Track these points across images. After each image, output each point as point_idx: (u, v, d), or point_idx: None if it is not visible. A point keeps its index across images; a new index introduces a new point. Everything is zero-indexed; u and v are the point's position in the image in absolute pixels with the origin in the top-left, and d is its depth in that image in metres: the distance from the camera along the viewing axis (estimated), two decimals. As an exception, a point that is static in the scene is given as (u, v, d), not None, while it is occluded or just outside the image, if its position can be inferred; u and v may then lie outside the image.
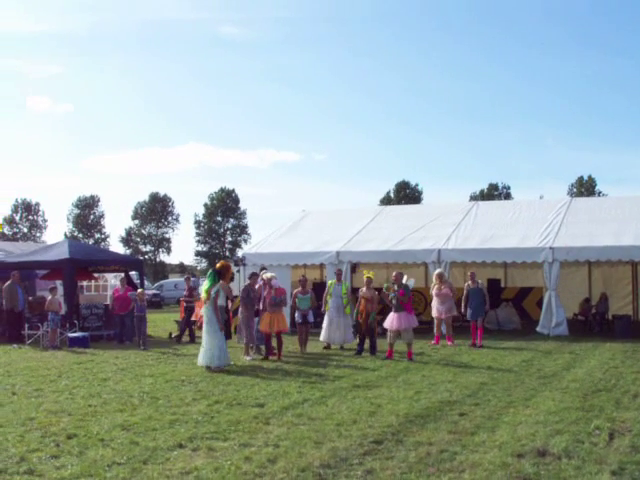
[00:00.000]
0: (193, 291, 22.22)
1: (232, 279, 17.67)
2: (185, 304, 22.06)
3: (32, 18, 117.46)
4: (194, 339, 21.18)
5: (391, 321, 16.72)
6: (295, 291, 18.82)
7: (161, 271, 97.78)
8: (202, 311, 15.87)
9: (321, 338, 19.13)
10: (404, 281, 16.91)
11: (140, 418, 9.80)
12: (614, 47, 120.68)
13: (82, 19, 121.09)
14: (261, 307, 17.04)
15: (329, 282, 19.62)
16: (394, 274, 17.31)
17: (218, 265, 16.11)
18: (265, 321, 16.72)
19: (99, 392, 12.11)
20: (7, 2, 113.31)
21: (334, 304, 18.85)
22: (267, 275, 17.50)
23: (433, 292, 20.04)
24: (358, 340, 17.85)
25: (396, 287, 16.79)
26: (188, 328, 21.75)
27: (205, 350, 14.96)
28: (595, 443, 8.21)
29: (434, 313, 20.09)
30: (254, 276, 17.68)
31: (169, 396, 11.64)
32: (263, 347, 17.02)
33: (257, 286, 17.30)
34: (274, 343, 16.91)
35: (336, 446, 8.16)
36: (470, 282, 19.67)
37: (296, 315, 18.63)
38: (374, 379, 13.38)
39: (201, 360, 15.04)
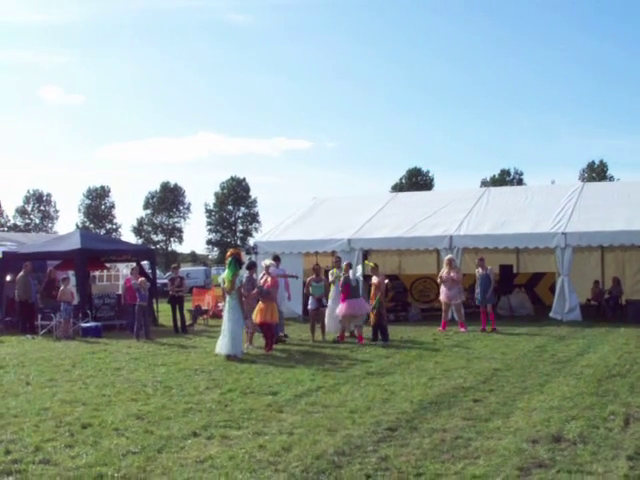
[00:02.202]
0: (182, 281, 21.98)
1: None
2: (173, 294, 21.43)
3: (37, 9, 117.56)
4: (185, 329, 21.24)
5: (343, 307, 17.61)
6: (309, 279, 18.77)
7: (173, 260, 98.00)
8: (227, 299, 15.63)
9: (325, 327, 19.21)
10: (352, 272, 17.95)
11: (154, 407, 9.81)
12: (624, 35, 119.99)
13: (87, 9, 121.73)
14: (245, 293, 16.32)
15: (332, 270, 19.49)
16: (345, 263, 18.52)
17: (232, 251, 16.04)
18: (255, 311, 16.23)
19: (113, 382, 12.14)
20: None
21: (334, 293, 18.81)
22: (266, 262, 17.53)
23: (441, 277, 19.99)
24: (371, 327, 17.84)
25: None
26: (181, 319, 21.51)
27: (225, 338, 14.93)
28: (610, 428, 8.17)
29: (442, 298, 20.05)
30: (253, 266, 17.66)
31: (182, 385, 11.65)
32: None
33: (261, 275, 17.23)
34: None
35: (350, 433, 8.15)
36: (480, 268, 19.62)
37: (310, 301, 18.56)
38: (387, 366, 13.35)
39: (222, 348, 14.99)
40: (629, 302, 22.67)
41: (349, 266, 18.22)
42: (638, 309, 21.24)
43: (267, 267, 17.06)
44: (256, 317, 16.10)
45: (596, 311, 23.32)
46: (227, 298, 15.51)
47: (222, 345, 15.00)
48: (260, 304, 16.15)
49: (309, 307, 18.58)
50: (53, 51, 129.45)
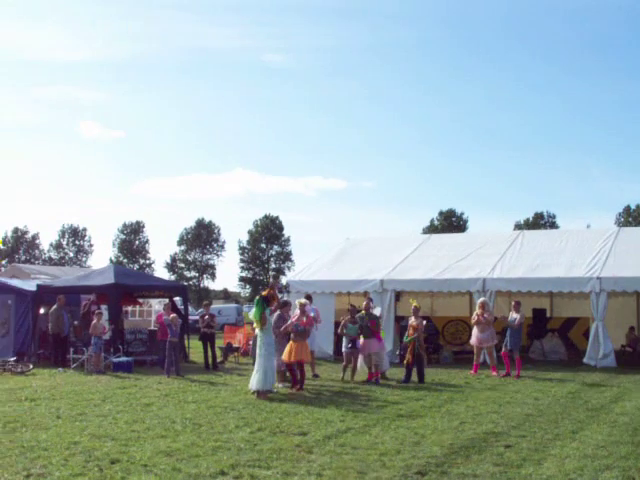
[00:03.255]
0: (213, 318, 21.98)
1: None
2: (205, 331, 21.36)
3: (79, 46, 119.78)
4: (216, 366, 21.22)
5: (363, 347, 17.95)
6: (344, 320, 18.72)
7: (205, 297, 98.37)
8: (258, 336, 15.67)
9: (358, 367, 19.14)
10: (372, 311, 18.29)
11: (183, 444, 9.79)
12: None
13: (128, 46, 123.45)
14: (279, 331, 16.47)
15: (361, 312, 19.49)
16: (364, 303, 18.75)
17: (264, 292, 16.07)
18: (287, 350, 16.17)
19: (142, 417, 12.14)
20: (52, 31, 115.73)
21: None
22: (301, 301, 17.52)
23: (474, 320, 19.83)
24: (405, 369, 17.75)
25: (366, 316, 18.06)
26: (212, 356, 21.42)
27: (257, 373, 14.96)
28: (645, 479, 8.02)
29: (473, 341, 19.88)
30: (286, 304, 17.66)
31: (212, 422, 11.63)
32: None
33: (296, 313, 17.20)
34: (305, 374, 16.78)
35: (379, 476, 8.08)
36: (514, 312, 19.40)
37: (344, 342, 18.55)
38: (418, 409, 13.24)
39: (254, 384, 14.99)
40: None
41: (368, 306, 18.43)
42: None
43: (303, 305, 17.05)
44: (287, 356, 16.06)
45: (631, 357, 22.98)
46: (259, 334, 15.52)
47: (254, 381, 15.01)
48: (292, 343, 16.11)
49: (344, 348, 18.50)
50: (93, 87, 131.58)
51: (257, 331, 15.67)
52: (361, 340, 17.94)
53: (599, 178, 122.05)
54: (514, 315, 19.30)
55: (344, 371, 18.16)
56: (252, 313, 15.78)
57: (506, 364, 18.99)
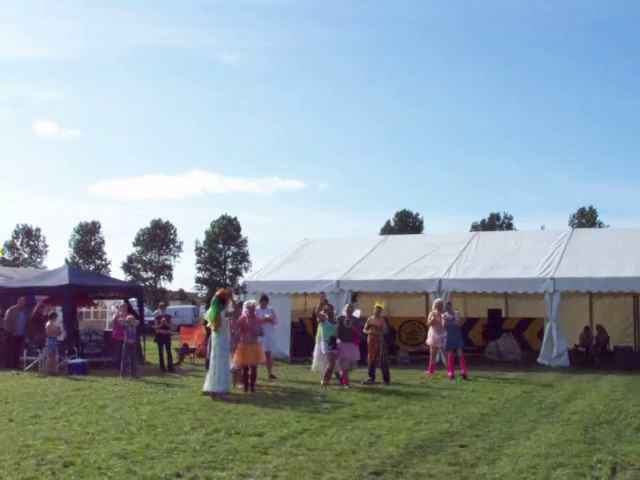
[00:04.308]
0: (169, 319, 21.84)
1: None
2: (160, 332, 21.16)
3: (32, 43, 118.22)
4: (172, 367, 21.14)
5: (341, 349, 17.33)
6: (321, 311, 18.43)
7: (162, 298, 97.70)
8: (212, 337, 15.55)
9: (312, 368, 19.13)
10: (354, 314, 17.76)
11: (138, 446, 9.72)
12: (616, 80, 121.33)
13: (82, 45, 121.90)
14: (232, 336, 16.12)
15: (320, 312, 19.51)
16: (347, 305, 18.38)
17: (218, 292, 15.97)
18: (238, 352, 15.94)
19: (97, 419, 12.03)
20: (4, 28, 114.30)
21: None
22: (251, 302, 17.31)
23: (429, 320, 19.97)
24: (368, 370, 17.73)
25: (348, 319, 17.54)
26: (168, 357, 21.27)
27: (211, 375, 14.89)
28: (597, 477, 8.12)
29: (429, 341, 20.05)
30: (264, 299, 17.58)
31: (167, 424, 11.56)
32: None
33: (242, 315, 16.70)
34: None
35: (335, 477, 8.09)
36: (447, 312, 19.47)
37: (322, 344, 17.76)
38: (374, 409, 13.29)
39: (207, 386, 14.94)
40: (617, 348, 22.66)
41: (351, 308, 18.03)
42: (626, 356, 21.25)
43: (252, 307, 16.70)
44: (241, 358, 15.93)
45: (584, 357, 23.29)
46: (213, 335, 15.44)
47: (208, 383, 14.95)
48: (241, 345, 15.93)
49: (323, 350, 17.68)
50: (48, 85, 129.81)
51: (212, 332, 15.57)
52: (338, 342, 17.36)
53: (555, 180, 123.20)
54: (450, 315, 19.35)
55: (330, 375, 17.37)
56: (207, 313, 15.73)
57: (450, 366, 19.02)
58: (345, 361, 17.37)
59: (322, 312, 17.90)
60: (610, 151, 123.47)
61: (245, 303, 17.22)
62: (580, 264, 22.28)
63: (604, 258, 22.58)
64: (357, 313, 17.94)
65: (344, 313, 17.86)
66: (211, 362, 15.20)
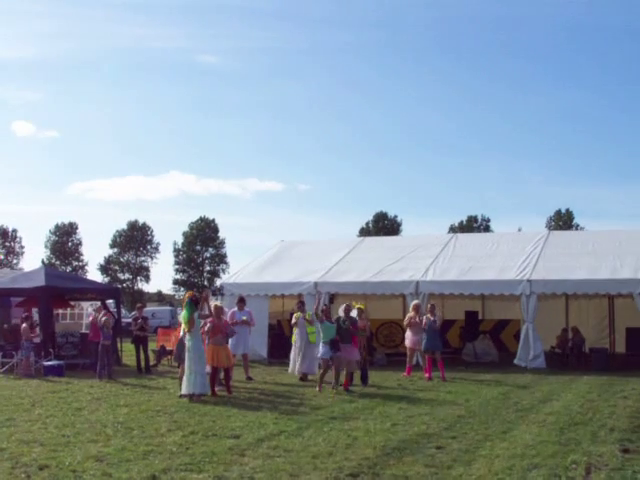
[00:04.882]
0: (146, 321, 21.79)
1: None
2: (138, 334, 21.24)
3: (9, 45, 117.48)
4: (149, 369, 21.11)
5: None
6: (311, 319, 18.34)
7: (139, 299, 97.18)
8: (187, 339, 15.44)
9: (289, 370, 19.12)
10: (352, 314, 17.39)
11: (114, 449, 9.67)
12: (591, 83, 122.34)
13: (61, 46, 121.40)
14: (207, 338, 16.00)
15: (296, 313, 19.51)
16: (344, 306, 17.50)
17: (188, 294, 15.88)
18: (209, 354, 15.68)
19: (73, 422, 11.97)
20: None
21: (299, 335, 18.80)
22: (218, 303, 17.12)
23: (407, 322, 20.01)
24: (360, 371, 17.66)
25: (345, 319, 17.04)
26: (145, 359, 21.26)
27: (188, 377, 14.81)
28: (572, 477, 8.19)
29: (407, 343, 20.07)
30: (241, 301, 17.53)
31: (144, 426, 11.51)
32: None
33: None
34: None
35: (311, 479, 8.10)
36: (429, 314, 19.54)
37: (322, 348, 16.96)
38: (351, 411, 13.31)
39: (184, 389, 14.88)
40: (593, 350, 22.81)
41: (349, 308, 17.32)
42: (601, 357, 21.39)
43: (220, 308, 16.54)
44: (213, 360, 15.81)
45: (560, 359, 23.43)
46: (187, 337, 15.35)
47: (185, 385, 14.89)
48: (211, 347, 15.82)
49: (320, 354, 17.09)
50: (26, 86, 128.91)
51: (186, 334, 15.45)
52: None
53: (533, 182, 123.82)
54: (432, 318, 19.43)
55: (323, 379, 16.81)
56: (181, 315, 15.68)
57: (428, 368, 19.07)
58: (351, 364, 16.74)
59: (320, 312, 17.50)
60: (586, 154, 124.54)
61: (212, 304, 16.83)
62: (556, 266, 22.41)
63: (580, 260, 22.74)
64: (353, 313, 17.71)
65: (341, 313, 17.22)
66: (187, 364, 15.11)
